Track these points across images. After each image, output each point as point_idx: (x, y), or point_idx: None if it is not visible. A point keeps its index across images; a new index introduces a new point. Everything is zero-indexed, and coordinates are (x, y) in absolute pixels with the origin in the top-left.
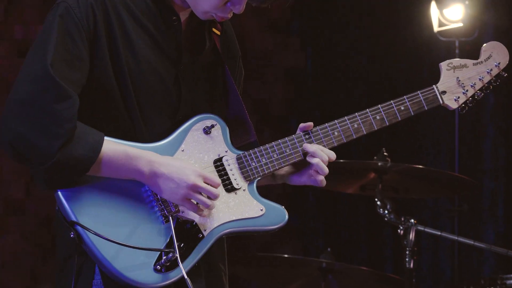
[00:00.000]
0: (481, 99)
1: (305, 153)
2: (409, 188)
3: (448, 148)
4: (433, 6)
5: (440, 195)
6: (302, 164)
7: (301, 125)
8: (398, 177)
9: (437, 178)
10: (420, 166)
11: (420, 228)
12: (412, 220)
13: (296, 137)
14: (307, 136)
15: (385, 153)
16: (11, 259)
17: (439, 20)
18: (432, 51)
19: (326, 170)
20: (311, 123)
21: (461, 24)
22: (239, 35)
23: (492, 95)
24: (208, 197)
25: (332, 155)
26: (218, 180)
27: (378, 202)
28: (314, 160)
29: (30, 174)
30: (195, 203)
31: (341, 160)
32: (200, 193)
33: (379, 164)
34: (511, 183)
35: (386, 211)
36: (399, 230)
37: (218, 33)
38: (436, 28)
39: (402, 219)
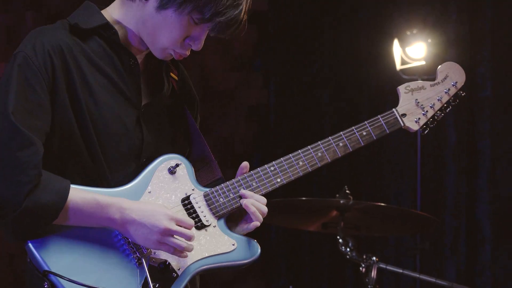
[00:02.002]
0: (444, 136)
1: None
2: (371, 226)
3: (410, 186)
4: (396, 44)
5: (402, 233)
6: (238, 216)
7: (240, 167)
8: (360, 214)
9: (399, 216)
10: (382, 204)
11: (382, 265)
12: (374, 258)
13: (262, 169)
14: (271, 168)
15: (347, 191)
16: None
17: (402, 58)
18: (395, 89)
19: (261, 219)
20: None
21: (423, 63)
22: (201, 74)
23: (454, 133)
24: (183, 239)
25: (263, 201)
26: (191, 222)
27: (340, 240)
28: (251, 209)
29: None
30: (171, 246)
31: (303, 198)
32: (174, 236)
33: (341, 201)
34: (473, 220)
35: (348, 249)
36: (361, 268)
37: (176, 78)
38: (398, 66)
39: (364, 256)
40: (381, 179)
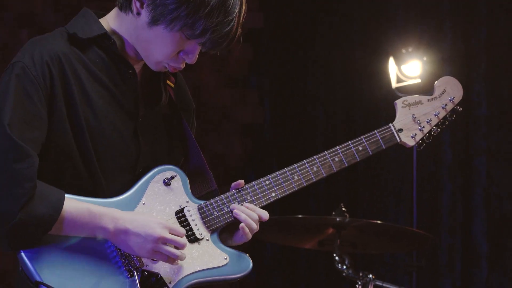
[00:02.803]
0: (440, 154)
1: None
2: (367, 243)
3: (406, 204)
4: (391, 62)
5: (398, 251)
6: (233, 226)
7: (234, 184)
8: (356, 232)
9: (395, 234)
10: (378, 222)
11: (378, 283)
12: (370, 275)
13: (257, 183)
14: (267, 182)
15: (343, 209)
16: None
17: (397, 76)
18: (390, 107)
19: (255, 226)
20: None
21: (419, 80)
22: (197, 90)
23: (450, 150)
24: (176, 248)
25: (265, 215)
26: (183, 230)
27: (337, 257)
28: (242, 216)
29: None
30: (164, 254)
31: (299, 216)
32: (168, 245)
33: (338, 219)
34: (469, 239)
35: (344, 266)
36: (357, 286)
37: (172, 85)
38: (394, 84)
39: (360, 274)
40: (377, 196)
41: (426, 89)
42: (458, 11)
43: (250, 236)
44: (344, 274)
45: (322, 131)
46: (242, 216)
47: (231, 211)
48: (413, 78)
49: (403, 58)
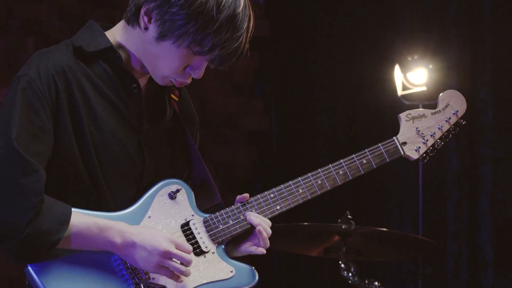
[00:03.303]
0: (445, 162)
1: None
2: (373, 251)
3: (412, 211)
4: (397, 70)
5: (404, 258)
6: (238, 238)
7: (239, 197)
8: (362, 239)
9: (401, 241)
10: (384, 229)
11: None
12: (376, 283)
13: (262, 196)
14: (271, 195)
15: (349, 216)
16: None
17: (403, 84)
18: (396, 115)
19: (269, 230)
20: (247, 194)
21: (424, 88)
22: (202, 98)
23: (455, 158)
24: (181, 263)
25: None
26: (190, 247)
27: (342, 265)
28: (256, 221)
29: None
30: (170, 270)
31: (305, 223)
32: (173, 260)
33: (343, 227)
34: (474, 246)
35: (350, 274)
36: None
37: (176, 99)
38: (400, 92)
39: (366, 281)
40: (383, 204)
41: (431, 97)
42: (464, 18)
43: (267, 242)
44: (350, 282)
45: (327, 138)
46: (256, 220)
47: (246, 218)
48: (419, 85)
49: (408, 65)
